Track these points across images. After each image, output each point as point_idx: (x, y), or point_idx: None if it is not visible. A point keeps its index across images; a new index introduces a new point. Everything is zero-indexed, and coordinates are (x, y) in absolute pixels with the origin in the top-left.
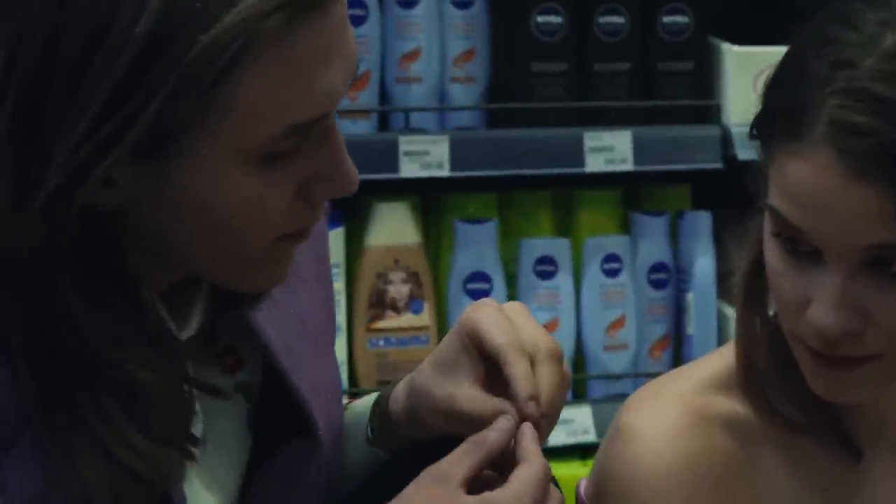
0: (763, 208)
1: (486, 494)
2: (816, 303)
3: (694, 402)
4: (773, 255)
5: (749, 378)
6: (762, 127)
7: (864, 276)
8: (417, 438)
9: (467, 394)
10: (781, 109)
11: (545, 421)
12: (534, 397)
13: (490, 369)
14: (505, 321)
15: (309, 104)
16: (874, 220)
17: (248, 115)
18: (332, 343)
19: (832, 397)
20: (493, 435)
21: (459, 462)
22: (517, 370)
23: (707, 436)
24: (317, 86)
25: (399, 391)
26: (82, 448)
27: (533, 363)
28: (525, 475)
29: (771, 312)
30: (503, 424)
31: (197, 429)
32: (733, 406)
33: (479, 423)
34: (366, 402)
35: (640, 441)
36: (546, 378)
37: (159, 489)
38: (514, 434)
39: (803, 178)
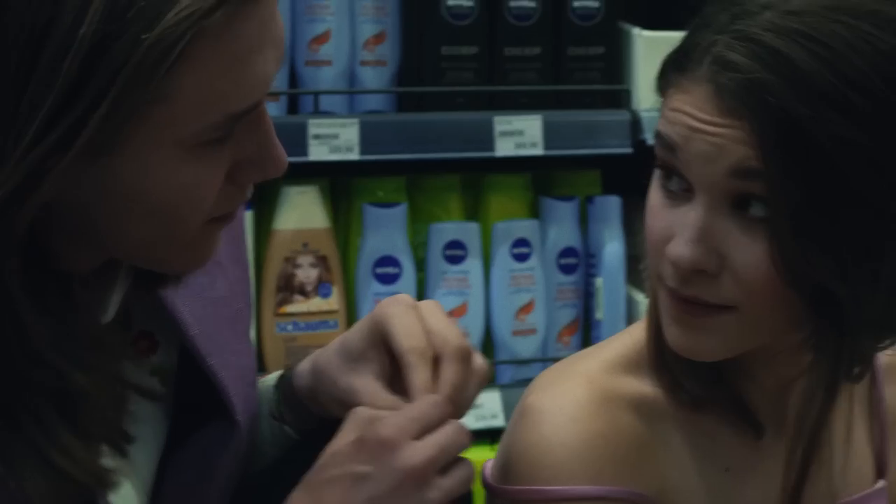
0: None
1: (377, 413)
2: (677, 237)
3: (600, 382)
4: (652, 194)
5: (657, 356)
6: (662, 72)
7: (725, 217)
8: (323, 416)
9: (368, 388)
10: (678, 52)
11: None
12: None
13: (396, 366)
14: (415, 322)
15: (246, 92)
16: (739, 148)
17: (188, 106)
18: (248, 328)
19: (685, 349)
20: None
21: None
22: (416, 377)
23: (613, 415)
24: (253, 74)
25: (303, 368)
26: (21, 455)
27: (439, 361)
28: (419, 404)
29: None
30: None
31: (128, 426)
32: (640, 386)
33: None
34: (269, 379)
35: (545, 421)
36: (450, 377)
37: (95, 494)
38: None
39: (682, 106)
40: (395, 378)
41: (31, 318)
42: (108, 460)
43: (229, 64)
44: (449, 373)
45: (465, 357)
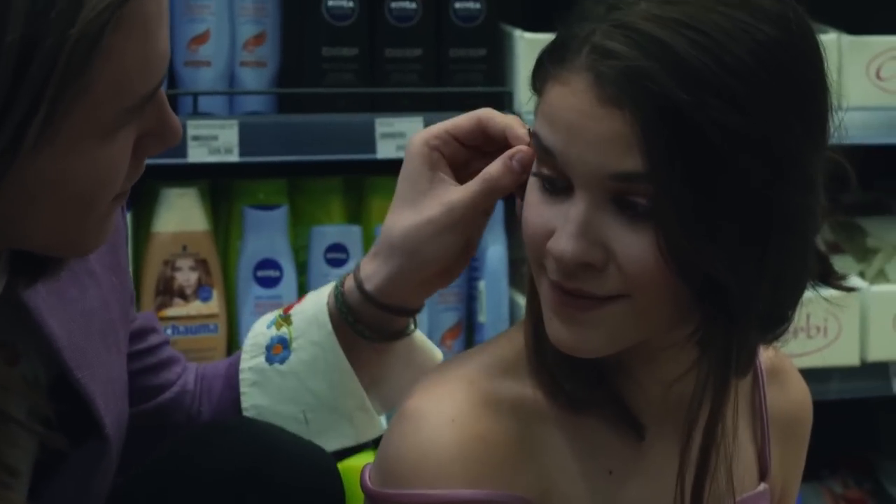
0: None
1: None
2: (558, 231)
3: (481, 385)
4: (530, 190)
5: (537, 358)
6: (538, 68)
7: (607, 212)
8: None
9: (458, 190)
10: (555, 45)
11: None
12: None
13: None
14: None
15: (154, 71)
16: (620, 145)
17: (107, 94)
18: (122, 339)
19: (568, 345)
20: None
21: None
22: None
23: (493, 418)
24: (158, 51)
25: (368, 269)
26: None
27: None
28: None
29: None
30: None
31: (12, 457)
32: (520, 388)
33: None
34: (316, 301)
35: (425, 424)
36: None
37: None
38: None
39: (561, 101)
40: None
41: None
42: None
43: (140, 46)
44: None
45: None
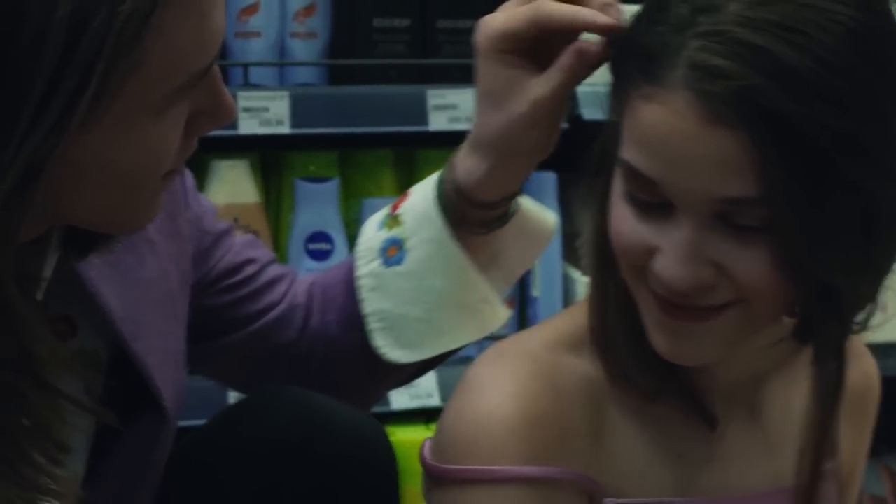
0: (612, 165)
1: None
2: (665, 255)
3: (543, 361)
4: (620, 208)
5: (602, 344)
6: (618, 74)
7: (714, 230)
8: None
9: (539, 84)
10: (638, 52)
11: None
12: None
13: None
14: None
15: (207, 48)
16: (730, 169)
17: (159, 71)
18: (183, 308)
19: (678, 356)
20: None
21: None
22: None
23: (555, 395)
24: (212, 29)
25: (464, 166)
26: None
27: None
28: None
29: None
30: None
31: (64, 434)
32: (585, 367)
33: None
34: (424, 196)
35: (486, 396)
36: None
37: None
38: None
39: (659, 124)
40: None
41: (27, 315)
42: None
43: (193, 23)
44: None
45: None
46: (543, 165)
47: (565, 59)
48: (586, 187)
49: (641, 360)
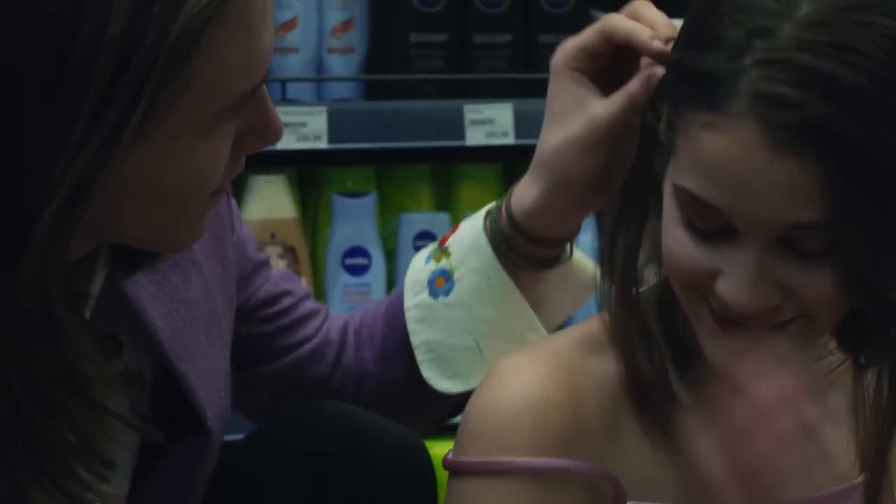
0: (654, 184)
1: None
2: (731, 279)
3: (565, 357)
4: (677, 231)
5: (630, 374)
6: (670, 100)
7: (779, 253)
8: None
9: (601, 105)
10: (692, 78)
11: None
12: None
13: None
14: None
15: (257, 68)
16: (797, 196)
17: (208, 91)
18: (226, 330)
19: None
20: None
21: None
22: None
23: (572, 390)
24: (261, 49)
25: (519, 191)
26: (31, 482)
27: None
28: None
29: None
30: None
31: (109, 450)
32: (606, 368)
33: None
34: (473, 227)
35: (510, 379)
36: None
37: None
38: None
39: (724, 153)
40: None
41: (76, 332)
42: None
43: (242, 43)
44: None
45: None
46: None
47: (632, 84)
48: (615, 202)
49: (668, 368)
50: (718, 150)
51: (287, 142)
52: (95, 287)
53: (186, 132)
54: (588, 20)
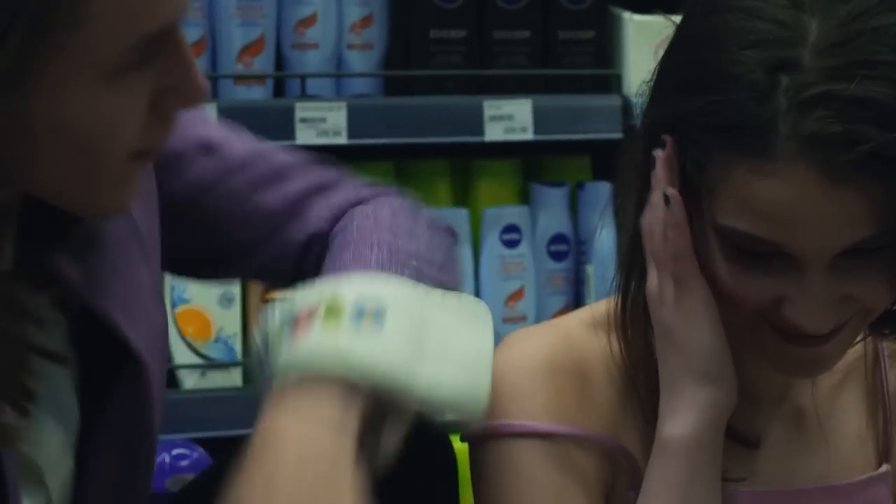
0: (708, 225)
1: None
2: (798, 304)
3: (571, 332)
4: (728, 265)
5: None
6: (696, 144)
7: (838, 267)
8: None
9: None
10: (721, 125)
11: None
12: None
13: None
14: None
15: (158, 10)
16: (855, 220)
17: (102, 29)
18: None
19: (804, 375)
20: None
21: None
22: None
23: (579, 362)
24: None
25: None
26: None
27: None
28: None
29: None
30: None
31: (31, 382)
32: (614, 345)
33: None
34: None
35: (521, 346)
36: None
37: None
38: None
39: (778, 196)
40: None
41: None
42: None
43: None
44: None
45: None
46: (598, 175)
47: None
48: (617, 206)
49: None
50: (772, 195)
51: (307, 137)
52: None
53: (85, 74)
54: (606, 17)
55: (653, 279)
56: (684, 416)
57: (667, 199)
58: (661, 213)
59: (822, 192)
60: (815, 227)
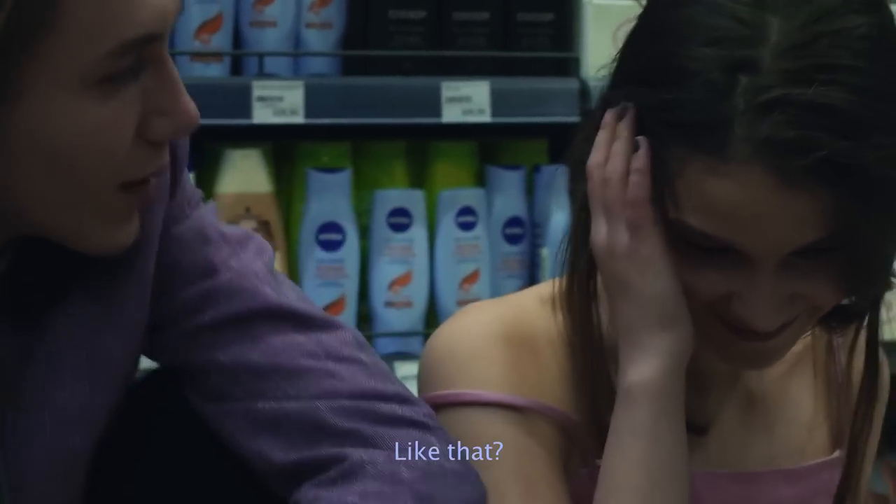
0: (666, 219)
1: None
2: (748, 301)
3: (524, 305)
4: (678, 258)
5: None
6: (655, 136)
7: (789, 266)
8: None
9: None
10: (679, 121)
11: None
12: None
13: None
14: None
15: (140, 16)
16: (808, 222)
17: (81, 34)
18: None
19: (752, 367)
20: None
21: None
22: None
23: (531, 335)
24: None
25: None
26: None
27: None
28: None
29: None
30: None
31: None
32: (566, 322)
33: None
34: None
35: (470, 315)
36: None
37: None
38: None
39: (731, 195)
40: None
41: None
42: None
43: None
44: None
45: None
46: (555, 159)
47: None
48: (569, 191)
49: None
50: (725, 195)
51: (264, 116)
52: None
53: (67, 83)
54: None
55: (601, 231)
56: (647, 363)
57: (637, 146)
58: (620, 161)
59: (775, 195)
60: (766, 229)
